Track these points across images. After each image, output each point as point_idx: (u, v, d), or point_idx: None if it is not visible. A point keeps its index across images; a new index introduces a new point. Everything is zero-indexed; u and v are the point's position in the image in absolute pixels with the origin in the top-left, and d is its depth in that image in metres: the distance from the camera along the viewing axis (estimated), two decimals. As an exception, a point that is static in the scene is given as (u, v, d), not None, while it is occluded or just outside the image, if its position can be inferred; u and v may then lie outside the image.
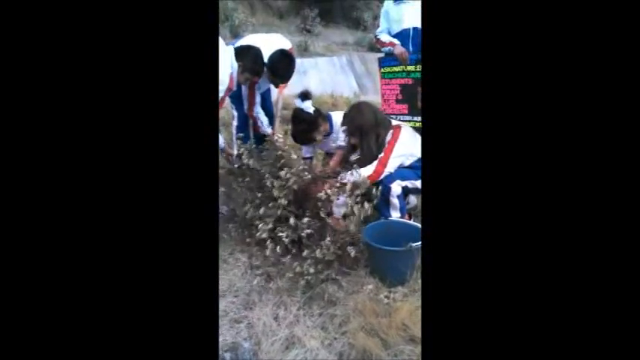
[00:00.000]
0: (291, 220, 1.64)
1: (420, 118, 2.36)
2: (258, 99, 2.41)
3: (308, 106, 2.29)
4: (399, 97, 2.51)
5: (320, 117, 2.32)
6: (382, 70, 2.58)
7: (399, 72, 2.46)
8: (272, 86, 2.48)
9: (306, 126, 2.28)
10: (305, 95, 2.31)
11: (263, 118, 2.44)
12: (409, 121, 2.42)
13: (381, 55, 2.63)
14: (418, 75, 2.32)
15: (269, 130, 2.41)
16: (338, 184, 1.77)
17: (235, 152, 2.44)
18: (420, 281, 1.52)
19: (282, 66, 2.18)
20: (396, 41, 2.46)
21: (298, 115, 2.31)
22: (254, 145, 2.01)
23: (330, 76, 7.78)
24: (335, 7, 9.76)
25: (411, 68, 2.39)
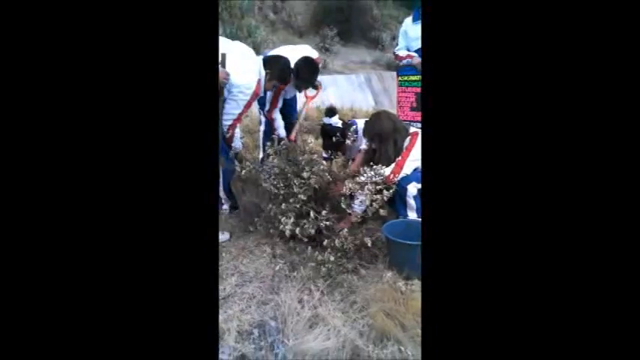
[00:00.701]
0: (312, 214, 1.76)
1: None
2: (279, 104, 2.56)
3: (336, 121, 2.48)
4: (414, 104, 2.64)
5: (346, 128, 2.46)
6: (400, 78, 2.73)
7: (415, 81, 2.60)
8: (298, 94, 2.63)
9: (337, 139, 2.44)
10: (331, 111, 2.50)
11: (280, 123, 2.61)
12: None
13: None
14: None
15: (283, 133, 2.54)
16: (358, 181, 1.88)
17: (261, 155, 2.58)
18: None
19: (305, 70, 2.34)
20: (413, 53, 2.60)
21: (328, 131, 2.50)
22: (284, 147, 2.14)
23: (348, 93, 7.93)
24: (354, 27, 10.00)
25: None
